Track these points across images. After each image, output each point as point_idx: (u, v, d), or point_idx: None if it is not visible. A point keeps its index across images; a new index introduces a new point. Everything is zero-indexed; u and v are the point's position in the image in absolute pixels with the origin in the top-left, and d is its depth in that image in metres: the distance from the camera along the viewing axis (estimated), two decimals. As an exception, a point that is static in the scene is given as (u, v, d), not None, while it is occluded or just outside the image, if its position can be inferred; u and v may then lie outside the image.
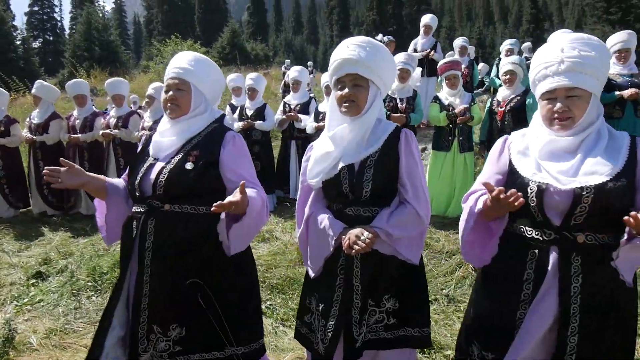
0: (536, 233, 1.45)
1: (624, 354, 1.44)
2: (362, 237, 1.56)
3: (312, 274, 1.81)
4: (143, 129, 4.99)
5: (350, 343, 1.68)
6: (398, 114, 4.70)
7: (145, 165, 1.80)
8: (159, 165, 1.77)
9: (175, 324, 1.75)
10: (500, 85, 6.48)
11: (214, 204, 1.49)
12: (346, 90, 1.66)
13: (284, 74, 18.59)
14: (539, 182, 1.43)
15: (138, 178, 1.77)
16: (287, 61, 20.54)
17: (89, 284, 3.66)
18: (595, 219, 1.37)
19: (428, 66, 6.62)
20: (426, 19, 6.99)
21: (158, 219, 1.74)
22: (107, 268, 3.79)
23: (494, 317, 1.53)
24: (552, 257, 1.42)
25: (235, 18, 53.80)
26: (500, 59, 7.17)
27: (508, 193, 1.33)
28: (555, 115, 1.43)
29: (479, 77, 8.06)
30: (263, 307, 3.15)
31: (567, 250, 1.40)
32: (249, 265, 1.91)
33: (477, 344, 1.57)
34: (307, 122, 5.34)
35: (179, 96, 1.80)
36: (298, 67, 5.77)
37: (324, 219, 1.71)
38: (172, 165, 1.74)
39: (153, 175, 1.75)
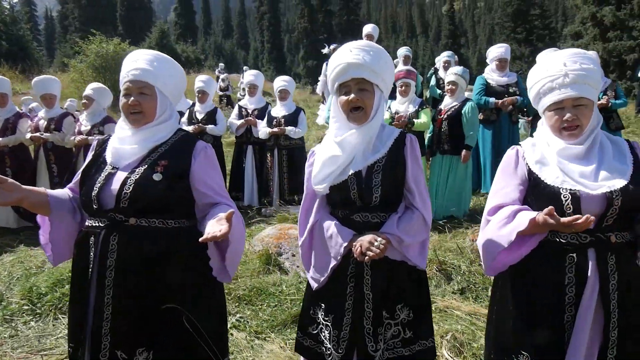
0: (571, 238, 1.49)
1: None
2: (376, 243, 1.54)
3: (314, 285, 1.74)
4: (79, 133, 4.55)
5: (365, 357, 1.64)
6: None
7: (104, 175, 1.62)
8: (121, 175, 1.60)
9: (142, 348, 1.59)
10: (440, 94, 6.90)
11: (203, 238, 1.39)
12: (352, 95, 1.62)
13: (218, 77, 18.14)
14: (571, 189, 1.48)
15: (96, 189, 1.59)
16: (222, 65, 20.06)
17: (25, 307, 3.24)
18: (622, 219, 1.47)
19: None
20: (368, 28, 7.23)
21: (122, 235, 1.57)
22: (46, 288, 3.39)
23: (541, 324, 1.54)
24: (591, 259, 1.48)
25: (160, 18, 51.46)
26: (435, 70, 7.60)
27: (583, 219, 1.33)
28: (565, 124, 1.51)
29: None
30: (234, 320, 3.01)
31: (603, 251, 1.48)
32: (219, 283, 1.79)
33: (525, 352, 1.56)
34: (260, 127, 5.24)
35: (142, 101, 1.63)
36: (254, 71, 5.64)
37: (331, 226, 1.66)
38: (138, 176, 1.58)
39: (115, 186, 1.58)
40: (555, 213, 1.37)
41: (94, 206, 1.60)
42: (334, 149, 1.67)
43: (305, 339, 1.79)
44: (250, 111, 5.48)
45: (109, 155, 1.67)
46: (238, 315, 3.05)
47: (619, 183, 1.45)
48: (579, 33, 21.62)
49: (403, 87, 4.80)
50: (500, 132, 5.12)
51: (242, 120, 5.41)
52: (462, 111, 4.59)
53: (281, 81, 5.23)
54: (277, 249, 3.98)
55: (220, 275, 1.63)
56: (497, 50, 5.31)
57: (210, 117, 5.29)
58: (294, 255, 3.94)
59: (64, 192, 1.72)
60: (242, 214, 5.20)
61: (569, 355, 1.48)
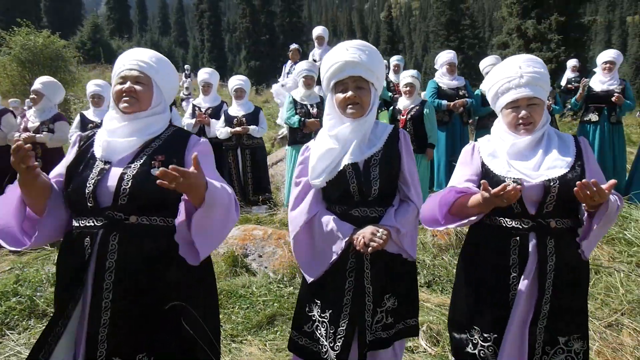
0: (516, 223, 1.66)
1: (580, 319, 1.72)
2: (378, 234, 1.58)
3: (309, 279, 1.75)
4: (26, 129, 4.17)
5: (363, 347, 1.68)
6: (312, 119, 4.83)
7: (96, 171, 1.55)
8: (116, 171, 1.54)
9: (142, 353, 1.52)
10: (391, 97, 7.17)
11: (162, 169, 1.31)
12: (350, 92, 1.67)
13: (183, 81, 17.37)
14: (514, 178, 1.64)
15: (90, 185, 1.52)
16: (187, 67, 19.23)
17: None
18: (561, 206, 1.63)
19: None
20: (318, 30, 7.43)
21: (123, 234, 1.50)
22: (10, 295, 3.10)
23: (489, 301, 1.70)
24: (532, 242, 1.64)
25: (89, 11, 48.19)
26: (387, 73, 7.90)
27: (510, 187, 1.46)
28: (520, 121, 1.67)
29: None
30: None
31: (543, 235, 1.64)
32: (214, 284, 1.78)
33: (477, 327, 1.72)
34: (218, 127, 5.12)
35: (138, 89, 1.60)
36: (208, 69, 5.50)
37: (330, 221, 1.69)
38: (135, 171, 1.53)
39: (112, 182, 1.51)
40: (488, 187, 1.48)
41: (89, 204, 1.51)
42: (329, 142, 1.71)
43: (300, 338, 1.80)
44: (204, 110, 5.34)
45: (98, 150, 1.58)
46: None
47: (558, 172, 1.62)
48: (506, 43, 23.35)
49: None
50: (453, 132, 5.43)
51: (195, 119, 5.25)
52: (424, 112, 4.81)
53: (237, 80, 5.16)
54: (242, 250, 3.92)
55: (187, 254, 1.53)
56: (446, 56, 5.62)
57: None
58: (260, 256, 3.90)
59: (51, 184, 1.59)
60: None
61: (508, 324, 1.64)
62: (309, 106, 4.91)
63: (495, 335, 1.67)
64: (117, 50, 23.85)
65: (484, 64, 5.46)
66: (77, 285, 1.50)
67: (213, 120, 5.24)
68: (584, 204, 1.56)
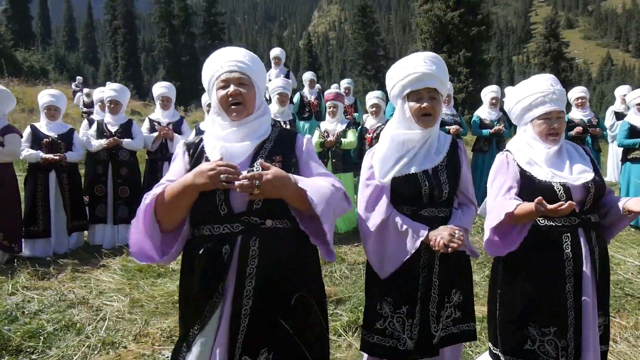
0: (564, 221, 1.86)
1: (606, 298, 1.98)
2: (457, 235, 1.69)
3: (382, 275, 1.82)
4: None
5: (427, 338, 1.77)
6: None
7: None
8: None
9: (264, 348, 1.50)
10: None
11: (238, 183, 1.36)
12: (426, 103, 1.77)
13: (75, 92, 16.11)
14: (560, 182, 1.86)
15: (222, 192, 1.48)
16: (79, 78, 17.98)
17: None
18: (595, 204, 1.90)
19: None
20: (276, 51, 7.56)
21: (262, 239, 1.48)
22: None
23: (546, 296, 1.85)
24: (582, 236, 1.86)
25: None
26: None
27: (566, 205, 1.62)
28: (552, 131, 1.91)
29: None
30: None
31: (587, 229, 1.88)
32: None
33: (533, 324, 1.85)
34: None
35: (244, 92, 1.56)
36: (166, 84, 5.28)
37: (405, 221, 1.78)
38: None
39: None
40: (543, 201, 1.62)
41: (221, 211, 1.47)
42: (397, 146, 1.81)
43: (372, 336, 1.84)
44: (164, 125, 5.13)
45: (215, 155, 1.52)
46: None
47: (590, 176, 1.89)
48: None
49: (332, 109, 5.12)
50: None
51: (157, 133, 5.02)
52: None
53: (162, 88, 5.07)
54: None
55: (326, 254, 1.59)
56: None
57: (126, 130, 4.78)
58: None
59: None
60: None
61: (584, 313, 1.83)
62: (282, 123, 4.97)
63: (555, 329, 1.83)
64: (22, 63, 21.58)
65: (485, 92, 6.19)
66: (216, 293, 1.45)
67: (177, 135, 5.05)
68: (622, 208, 1.83)
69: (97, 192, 4.68)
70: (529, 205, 1.70)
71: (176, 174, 1.59)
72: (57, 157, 4.35)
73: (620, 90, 7.31)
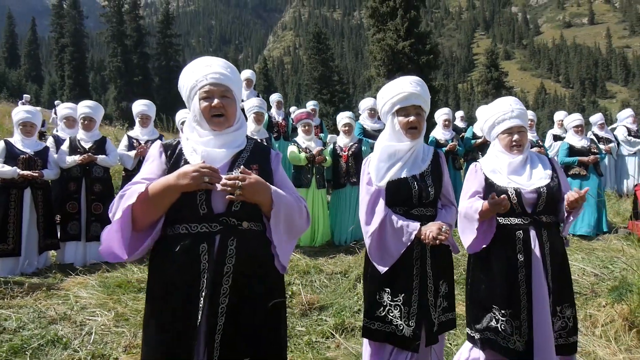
0: (518, 220, 2.22)
1: (568, 291, 2.29)
2: (444, 229, 1.97)
3: (382, 270, 2.04)
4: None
5: (428, 326, 2.01)
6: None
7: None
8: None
9: (247, 358, 1.54)
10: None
11: (226, 177, 1.47)
12: (412, 118, 2.07)
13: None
14: (514, 187, 2.23)
15: (203, 193, 1.54)
16: (26, 96, 17.27)
17: None
18: (548, 206, 2.25)
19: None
20: (247, 73, 7.74)
21: (239, 239, 1.56)
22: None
23: (505, 283, 2.19)
24: (532, 234, 2.21)
25: None
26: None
27: (500, 197, 2.03)
28: (514, 143, 2.29)
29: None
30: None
31: (539, 227, 2.22)
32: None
33: (496, 306, 2.18)
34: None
35: (225, 104, 1.63)
36: (146, 101, 5.32)
37: (399, 219, 2.03)
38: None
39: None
40: (495, 197, 2.04)
41: (201, 211, 1.54)
42: (389, 155, 2.10)
43: (373, 324, 2.05)
44: (142, 142, 5.15)
45: (196, 158, 1.60)
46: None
47: (544, 182, 2.26)
48: (375, 98, 26.65)
49: (307, 127, 5.37)
50: None
51: (135, 151, 5.03)
52: (362, 148, 5.42)
53: (184, 113, 5.17)
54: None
55: (278, 265, 1.64)
56: (368, 102, 6.44)
57: (100, 146, 4.76)
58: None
59: None
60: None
61: (534, 300, 2.14)
62: (258, 140, 5.13)
63: (510, 311, 2.15)
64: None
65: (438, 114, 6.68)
66: (190, 290, 1.49)
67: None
68: (566, 205, 2.17)
69: (69, 209, 4.59)
70: (483, 204, 2.11)
71: (153, 173, 1.63)
72: (37, 174, 4.29)
73: (558, 116, 8.14)
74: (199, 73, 1.65)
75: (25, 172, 4.24)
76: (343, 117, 5.59)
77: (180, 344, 1.50)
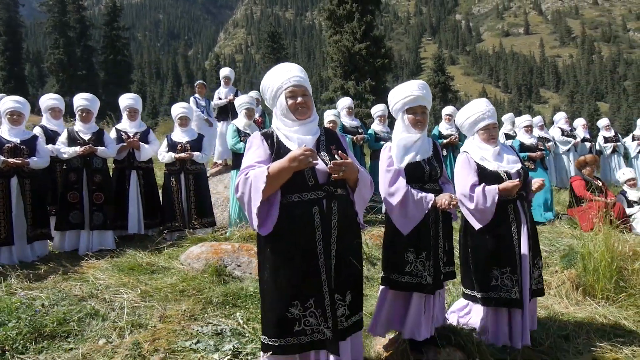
0: (508, 197, 2.79)
1: (538, 246, 2.96)
2: (454, 197, 2.55)
3: (405, 232, 2.54)
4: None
5: (438, 275, 2.56)
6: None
7: None
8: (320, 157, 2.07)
9: (348, 289, 2.11)
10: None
11: (333, 162, 2.00)
12: (419, 116, 2.62)
13: None
14: (503, 171, 2.84)
15: (310, 169, 2.04)
16: None
17: None
18: (524, 185, 2.88)
19: (232, 110, 7.52)
20: (225, 71, 8.03)
21: (338, 202, 2.09)
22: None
23: (501, 246, 2.78)
24: (519, 205, 2.84)
25: None
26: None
27: (517, 181, 2.69)
28: (491, 138, 2.91)
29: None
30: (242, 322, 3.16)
31: (522, 201, 2.85)
32: None
33: (496, 267, 2.77)
34: (161, 151, 5.25)
35: (307, 100, 2.16)
36: (133, 95, 5.49)
37: (418, 192, 2.55)
38: (330, 156, 2.13)
39: (323, 166, 2.07)
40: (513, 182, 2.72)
41: (310, 183, 2.04)
42: (405, 144, 2.62)
43: (403, 277, 2.56)
44: (131, 135, 5.34)
45: (291, 144, 2.09)
46: (240, 316, 3.25)
47: (519, 166, 2.91)
48: (332, 99, 27.26)
49: (248, 111, 5.65)
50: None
51: (124, 143, 5.22)
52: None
53: (180, 108, 5.40)
54: (220, 262, 4.18)
55: (360, 220, 2.22)
56: (346, 101, 6.97)
57: (98, 138, 4.90)
58: (239, 265, 4.24)
59: None
60: (127, 241, 4.98)
61: (522, 259, 2.77)
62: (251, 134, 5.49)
63: (510, 268, 2.75)
64: None
65: (375, 110, 7.11)
66: (311, 241, 2.00)
67: (143, 145, 5.28)
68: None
69: (70, 199, 4.69)
70: (506, 184, 2.71)
71: (261, 157, 2.09)
72: (20, 162, 4.30)
73: (508, 118, 9.14)
74: (283, 77, 2.14)
75: (10, 160, 4.26)
76: (329, 115, 6.08)
77: (310, 281, 2.01)
